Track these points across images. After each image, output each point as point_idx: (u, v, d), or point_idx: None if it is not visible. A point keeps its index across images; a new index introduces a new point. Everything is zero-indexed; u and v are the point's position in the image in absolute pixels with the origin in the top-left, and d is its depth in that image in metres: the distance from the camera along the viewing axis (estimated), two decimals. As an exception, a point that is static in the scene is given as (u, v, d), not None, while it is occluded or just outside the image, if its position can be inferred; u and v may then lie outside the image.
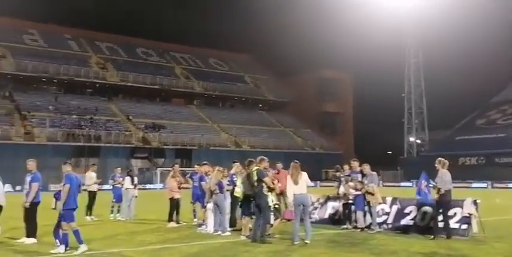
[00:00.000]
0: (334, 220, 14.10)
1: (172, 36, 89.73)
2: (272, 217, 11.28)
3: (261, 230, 10.86)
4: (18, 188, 15.86)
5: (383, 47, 73.92)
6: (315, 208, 14.69)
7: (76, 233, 9.75)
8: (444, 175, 11.43)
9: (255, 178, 11.02)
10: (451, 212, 11.74)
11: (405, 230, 12.25)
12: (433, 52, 70.78)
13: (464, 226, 11.50)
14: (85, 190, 16.98)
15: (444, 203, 11.39)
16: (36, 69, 61.25)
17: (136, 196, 16.64)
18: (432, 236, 11.25)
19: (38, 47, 68.57)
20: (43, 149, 47.79)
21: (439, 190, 11.33)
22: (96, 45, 75.75)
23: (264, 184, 10.98)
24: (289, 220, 10.79)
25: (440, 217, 11.49)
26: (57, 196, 10.31)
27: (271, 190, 11.22)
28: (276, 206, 11.63)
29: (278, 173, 13.40)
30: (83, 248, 9.73)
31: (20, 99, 57.75)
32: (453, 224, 11.63)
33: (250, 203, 11.35)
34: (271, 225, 11.42)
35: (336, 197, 14.20)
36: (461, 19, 65.60)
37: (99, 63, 70.60)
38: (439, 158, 11.84)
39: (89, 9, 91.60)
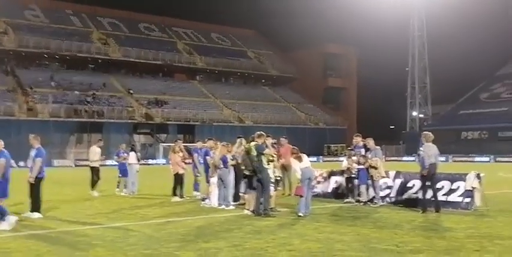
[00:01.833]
0: (337, 194, 14.21)
1: (174, 11, 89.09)
2: (272, 188, 11.27)
3: (264, 204, 10.93)
4: (21, 163, 15.87)
5: (387, 21, 73.07)
6: (318, 182, 14.77)
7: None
8: (428, 149, 11.42)
9: (254, 153, 11.05)
10: (454, 186, 11.82)
11: (408, 203, 12.29)
12: (437, 25, 70.11)
13: (467, 200, 11.53)
14: (88, 165, 16.99)
15: (429, 176, 11.40)
16: (38, 45, 60.91)
17: (137, 171, 16.74)
18: (421, 211, 11.28)
19: (39, 22, 68.09)
20: (46, 125, 47.98)
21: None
22: (98, 20, 75.12)
23: (263, 158, 11.01)
24: (300, 196, 10.79)
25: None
26: None
27: (271, 161, 11.25)
28: (278, 178, 11.67)
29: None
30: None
31: (22, 75, 57.66)
32: (456, 197, 11.69)
33: (253, 178, 11.39)
34: (271, 196, 11.44)
35: (339, 172, 14.28)
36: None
37: (101, 38, 70.11)
38: (424, 132, 11.88)
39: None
